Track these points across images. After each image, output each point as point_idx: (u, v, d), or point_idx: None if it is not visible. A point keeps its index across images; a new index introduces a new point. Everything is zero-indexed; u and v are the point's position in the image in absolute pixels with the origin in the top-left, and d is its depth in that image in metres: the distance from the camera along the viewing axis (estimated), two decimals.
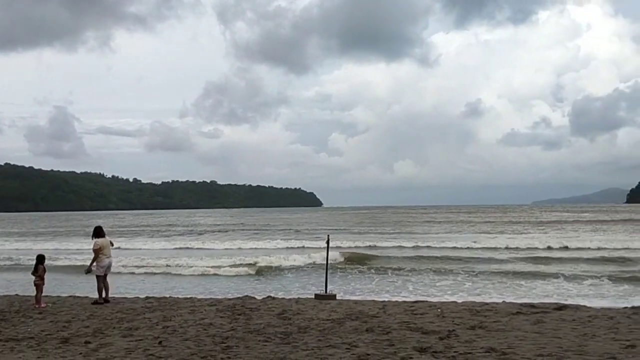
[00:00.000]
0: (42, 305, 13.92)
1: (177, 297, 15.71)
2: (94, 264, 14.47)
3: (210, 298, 15.60)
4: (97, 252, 14.34)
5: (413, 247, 33.96)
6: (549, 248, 31.50)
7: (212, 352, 8.46)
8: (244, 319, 11.48)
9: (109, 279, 14.82)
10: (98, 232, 14.65)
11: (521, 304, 13.11)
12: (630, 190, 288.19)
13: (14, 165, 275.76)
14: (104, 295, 14.43)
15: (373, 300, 14.74)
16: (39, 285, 14.21)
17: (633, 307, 12.38)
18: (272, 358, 8.09)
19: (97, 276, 14.38)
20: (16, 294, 16.92)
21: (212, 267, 24.33)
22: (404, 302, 14.22)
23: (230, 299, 14.99)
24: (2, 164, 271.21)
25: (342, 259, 26.13)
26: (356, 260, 26.13)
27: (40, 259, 14.60)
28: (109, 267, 14.62)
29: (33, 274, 14.38)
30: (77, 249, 35.39)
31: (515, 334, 9.41)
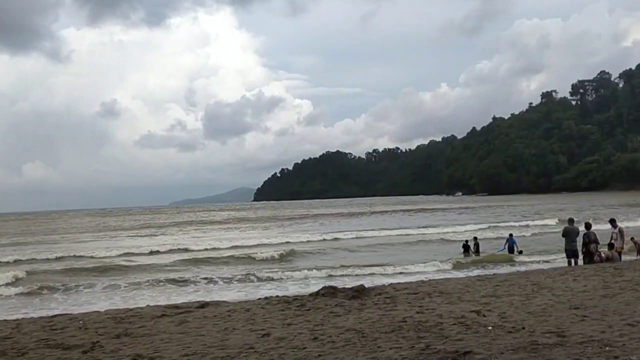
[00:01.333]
0: None
1: None
2: None
3: None
4: None
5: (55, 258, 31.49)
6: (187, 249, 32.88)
7: None
8: None
9: None
10: None
11: (165, 306, 13.31)
12: (257, 189, 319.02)
13: None
14: None
15: (4, 320, 13.22)
16: None
17: (266, 298, 13.67)
18: None
19: None
20: None
21: None
22: (41, 317, 13.10)
23: None
24: None
25: None
26: None
27: None
28: None
29: None
30: None
31: (160, 337, 9.49)
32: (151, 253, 32.12)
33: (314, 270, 21.92)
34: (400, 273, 21.44)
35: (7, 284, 20.96)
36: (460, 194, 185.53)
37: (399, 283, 15.46)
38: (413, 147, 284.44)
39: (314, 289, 14.75)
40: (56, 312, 14.69)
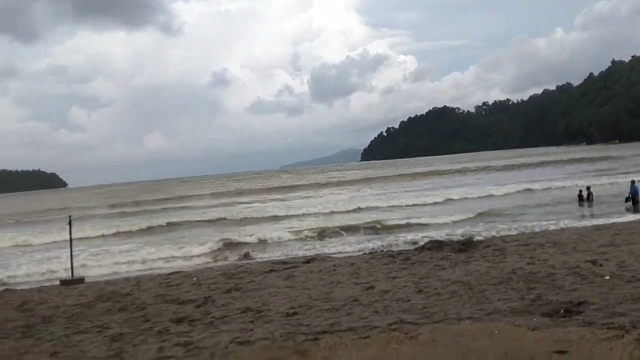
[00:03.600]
0: None
1: None
2: None
3: None
4: None
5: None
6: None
7: None
8: None
9: None
10: None
11: (273, 262, 13.67)
12: (364, 150, 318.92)
13: None
14: None
15: (126, 278, 14.12)
16: None
17: (371, 252, 13.68)
18: (13, 355, 7.26)
19: None
20: None
21: None
22: (159, 275, 13.87)
23: None
24: None
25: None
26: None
27: None
28: None
29: None
30: None
31: (269, 292, 9.74)
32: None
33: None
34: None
35: None
36: (584, 143, 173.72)
37: (509, 235, 14.95)
38: (526, 98, 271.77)
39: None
40: (171, 270, 15.47)
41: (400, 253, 12.90)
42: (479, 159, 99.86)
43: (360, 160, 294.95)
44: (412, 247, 14.06)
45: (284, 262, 13.30)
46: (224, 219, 30.22)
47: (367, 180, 64.31)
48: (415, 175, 64.73)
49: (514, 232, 16.54)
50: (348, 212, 29.45)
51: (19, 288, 14.34)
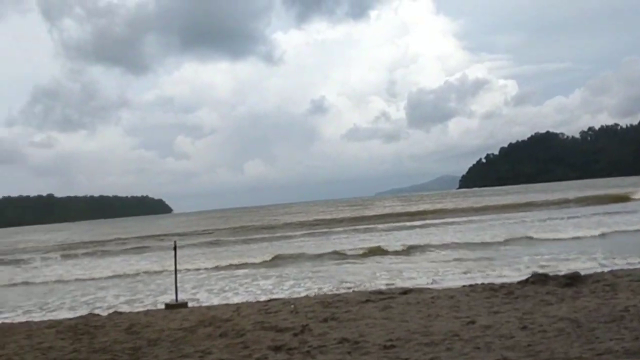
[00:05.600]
0: None
1: (12, 323, 14.34)
2: None
3: (49, 320, 14.42)
4: None
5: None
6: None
7: None
8: (88, 339, 10.70)
9: None
10: None
11: (370, 292, 13.53)
12: (462, 176, 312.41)
13: None
14: None
15: (226, 304, 14.48)
16: None
17: (470, 285, 13.26)
18: None
19: None
20: None
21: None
22: (258, 302, 14.12)
23: (71, 319, 13.93)
24: None
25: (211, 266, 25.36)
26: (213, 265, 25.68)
27: None
28: None
29: None
30: None
31: (365, 322, 9.64)
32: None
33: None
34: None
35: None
36: None
37: (620, 270, 14.05)
38: (635, 122, 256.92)
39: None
40: (268, 296, 15.70)
41: (502, 286, 12.43)
42: (587, 186, 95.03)
43: (458, 187, 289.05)
44: (515, 280, 13.51)
45: (381, 292, 13.16)
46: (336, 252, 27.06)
47: (483, 209, 58.59)
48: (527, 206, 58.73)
49: (626, 267, 15.58)
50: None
51: (126, 310, 15.06)
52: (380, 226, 43.50)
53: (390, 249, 25.61)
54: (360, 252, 25.61)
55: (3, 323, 14.40)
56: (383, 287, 14.69)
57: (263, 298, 15.21)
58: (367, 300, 11.97)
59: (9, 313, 17.48)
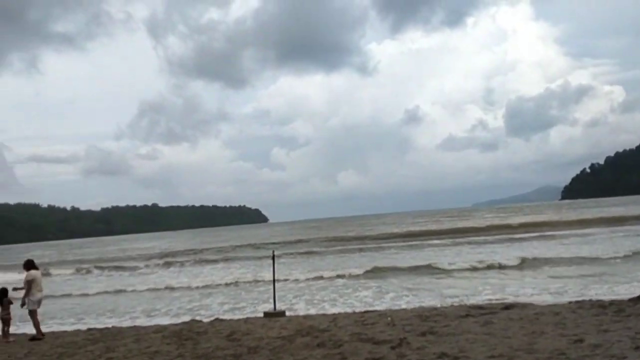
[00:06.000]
0: (11, 340, 13.47)
1: (121, 327, 15.12)
2: (28, 298, 13.73)
3: (155, 325, 15.08)
4: (30, 283, 13.62)
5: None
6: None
7: None
8: (192, 344, 11.10)
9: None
10: (30, 265, 13.95)
11: (469, 306, 13.20)
12: (564, 187, 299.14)
13: None
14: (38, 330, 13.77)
15: (323, 314, 14.57)
16: (7, 320, 13.75)
17: (577, 302, 12.64)
18: None
19: (31, 311, 13.65)
20: None
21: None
22: (354, 313, 14.12)
23: (176, 324, 14.52)
24: None
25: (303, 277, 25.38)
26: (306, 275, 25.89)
27: (4, 292, 13.90)
28: (40, 301, 13.88)
29: None
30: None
31: (465, 337, 9.40)
32: None
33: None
34: None
35: None
36: None
37: None
38: None
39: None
40: (365, 308, 15.64)
41: (611, 303, 11.76)
42: None
43: (561, 199, 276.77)
44: (626, 298, 12.74)
45: (480, 307, 12.79)
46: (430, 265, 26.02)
47: (589, 221, 51.91)
48: None
49: None
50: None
51: (227, 318, 15.50)
52: (479, 238, 42.20)
53: (491, 263, 24.71)
54: (460, 265, 24.95)
55: (113, 327, 15.22)
56: (483, 302, 14.26)
57: (360, 309, 15.18)
58: (467, 315, 11.68)
59: (118, 317, 18.44)
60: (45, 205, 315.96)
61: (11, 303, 13.95)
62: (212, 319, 15.27)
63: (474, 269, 23.74)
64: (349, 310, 15.42)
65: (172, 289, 25.36)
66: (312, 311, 16.13)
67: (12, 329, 14.32)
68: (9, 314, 13.85)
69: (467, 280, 20.80)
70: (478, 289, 18.36)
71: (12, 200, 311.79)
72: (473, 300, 15.41)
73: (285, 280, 24.16)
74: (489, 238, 41.86)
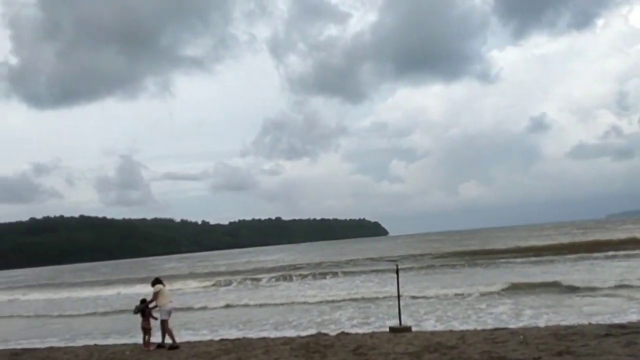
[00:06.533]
0: (151, 348, 14.44)
1: (251, 338, 15.65)
2: (159, 308, 14.59)
3: (284, 337, 15.47)
4: (157, 295, 14.54)
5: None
6: None
7: None
8: (319, 357, 11.29)
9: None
10: (156, 281, 15.00)
11: (609, 325, 12.40)
12: None
13: (87, 216, 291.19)
14: (167, 339, 14.58)
15: (450, 331, 14.25)
16: (147, 329, 14.65)
17: None
18: None
19: (162, 321, 14.51)
20: (95, 344, 17.28)
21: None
22: (483, 330, 13.70)
23: (303, 337, 14.82)
24: (77, 216, 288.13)
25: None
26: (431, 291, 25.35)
27: (145, 303, 14.97)
28: (170, 311, 14.73)
29: (136, 313, 14.86)
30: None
31: (606, 358, 8.84)
32: None
33: None
34: None
35: None
36: None
37: None
38: None
39: None
40: (494, 325, 15.10)
41: None
42: None
43: None
44: None
45: (622, 326, 11.95)
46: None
47: None
48: None
49: None
50: None
51: (353, 331, 15.59)
52: (618, 253, 39.20)
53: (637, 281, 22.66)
54: (600, 282, 23.10)
55: (244, 338, 15.79)
56: (625, 322, 13.31)
57: (491, 327, 14.69)
58: (607, 335, 10.97)
59: (249, 329, 19.04)
60: (178, 220, 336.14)
61: (152, 315, 14.85)
62: (338, 332, 15.42)
63: (618, 286, 21.93)
64: (478, 327, 14.96)
65: (299, 302, 25.76)
66: (439, 327, 15.81)
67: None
68: (149, 323, 14.78)
69: (610, 298, 19.32)
70: (622, 307, 17.05)
71: (149, 216, 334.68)
72: (617, 320, 14.34)
73: (415, 298, 23.33)
74: (629, 252, 38.81)
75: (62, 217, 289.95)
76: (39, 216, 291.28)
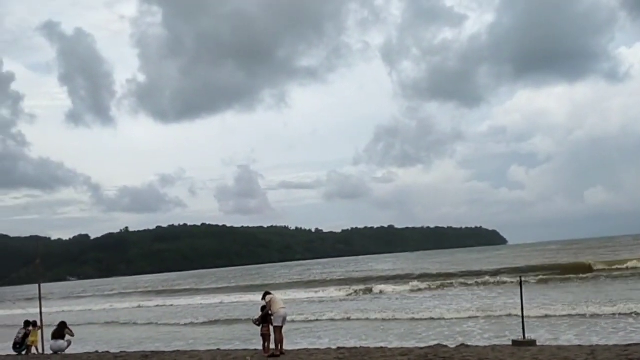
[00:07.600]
0: (269, 354, 14.81)
1: (369, 347, 15.65)
2: (273, 315, 14.88)
3: (402, 347, 15.36)
4: (270, 304, 14.85)
5: None
6: None
7: None
8: None
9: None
10: (266, 294, 15.37)
11: None
12: None
13: (209, 224, 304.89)
14: (279, 346, 14.86)
15: (579, 346, 13.53)
16: (266, 335, 15.03)
17: None
18: None
19: (275, 327, 14.82)
20: (218, 349, 17.97)
21: None
22: (615, 346, 12.88)
23: (421, 348, 14.64)
24: (199, 224, 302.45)
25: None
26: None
27: (264, 310, 15.44)
28: (284, 318, 15.01)
29: (257, 323, 15.25)
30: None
31: None
32: None
33: None
34: None
35: None
36: None
37: None
38: None
39: None
40: (628, 341, 14.15)
41: None
42: None
43: None
44: None
45: None
46: None
47: None
48: None
49: None
50: None
51: (473, 344, 15.20)
52: None
53: None
54: None
55: (361, 347, 15.85)
56: None
57: (622, 342, 13.78)
58: None
59: (369, 340, 19.04)
60: (293, 227, 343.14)
61: (271, 323, 15.17)
62: (458, 344, 15.10)
63: None
64: (610, 342, 14.09)
65: (419, 313, 25.24)
66: (567, 342, 15.05)
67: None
68: (268, 330, 15.13)
69: None
70: None
71: (265, 224, 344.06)
72: None
73: (547, 316, 21.49)
74: None
75: (185, 225, 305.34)
76: (164, 224, 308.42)
